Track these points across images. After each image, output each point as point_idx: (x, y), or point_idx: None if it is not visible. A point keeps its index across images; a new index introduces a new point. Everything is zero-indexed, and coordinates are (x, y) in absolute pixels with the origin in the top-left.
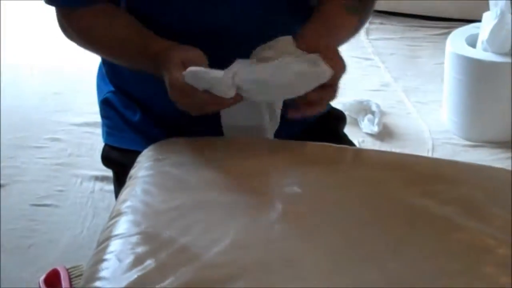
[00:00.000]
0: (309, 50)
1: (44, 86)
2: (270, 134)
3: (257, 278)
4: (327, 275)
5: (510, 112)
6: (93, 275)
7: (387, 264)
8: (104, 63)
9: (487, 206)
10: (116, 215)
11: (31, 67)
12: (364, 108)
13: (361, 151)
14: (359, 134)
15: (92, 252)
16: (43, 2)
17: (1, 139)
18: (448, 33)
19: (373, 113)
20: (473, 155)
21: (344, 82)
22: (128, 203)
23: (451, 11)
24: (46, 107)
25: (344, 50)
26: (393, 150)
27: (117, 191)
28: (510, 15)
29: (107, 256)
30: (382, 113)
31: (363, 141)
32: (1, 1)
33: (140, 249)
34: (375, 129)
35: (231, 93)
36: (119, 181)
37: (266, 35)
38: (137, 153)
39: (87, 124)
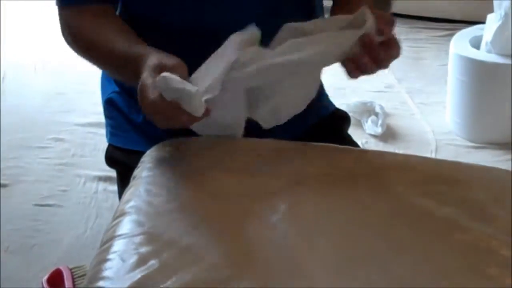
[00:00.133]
0: None
1: (47, 87)
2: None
3: (260, 279)
4: (330, 276)
5: None
6: (96, 275)
7: (389, 264)
8: None
9: (490, 207)
10: (119, 215)
11: (34, 68)
12: (368, 110)
13: (364, 152)
14: (363, 135)
15: (96, 252)
16: (46, 2)
17: (5, 139)
18: (452, 34)
19: (376, 114)
20: (476, 157)
21: (348, 84)
22: (131, 203)
23: (454, 13)
24: (49, 107)
25: None
26: (397, 151)
27: (120, 191)
28: None
29: (110, 256)
30: (386, 115)
31: (366, 142)
32: (2, 1)
33: (143, 249)
34: (379, 130)
35: (200, 111)
36: (123, 181)
37: (266, 35)
38: (141, 153)
39: (91, 125)
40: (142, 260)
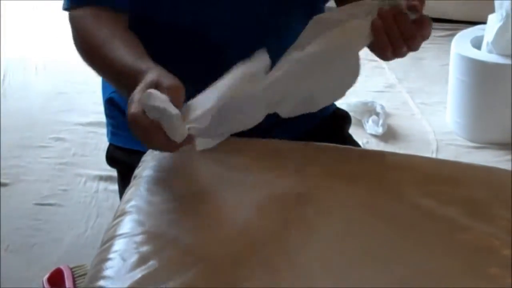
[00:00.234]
0: None
1: (48, 86)
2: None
3: (262, 279)
4: (330, 276)
5: None
6: (97, 274)
7: (390, 264)
8: None
9: (491, 207)
10: (120, 214)
11: (35, 67)
12: (369, 109)
13: (365, 152)
14: (364, 135)
15: (96, 252)
16: (46, 2)
17: (6, 138)
18: (453, 35)
19: (377, 114)
20: (477, 157)
21: None
22: (132, 203)
23: (456, 13)
24: (50, 107)
25: None
26: (397, 151)
27: (121, 191)
28: None
29: (111, 255)
30: (387, 115)
31: (367, 142)
32: (2, 1)
33: (144, 249)
34: (380, 130)
35: (179, 136)
36: (124, 180)
37: (268, 35)
38: (141, 153)
39: (91, 124)
40: (142, 260)
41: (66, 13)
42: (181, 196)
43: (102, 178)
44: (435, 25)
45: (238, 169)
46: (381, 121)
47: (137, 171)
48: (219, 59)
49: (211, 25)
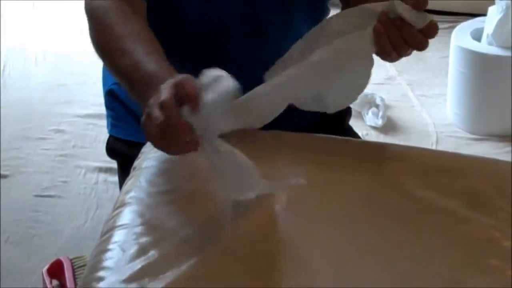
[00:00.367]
0: None
1: (48, 78)
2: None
3: (260, 271)
4: (331, 268)
5: None
6: (96, 265)
7: (390, 255)
8: None
9: (491, 198)
10: (120, 205)
11: (35, 59)
12: (369, 101)
13: (365, 144)
14: (363, 127)
15: (96, 243)
16: None
17: (5, 130)
18: (453, 27)
19: (377, 106)
20: (477, 149)
21: None
22: (132, 194)
23: (456, 5)
24: (50, 98)
25: None
26: (397, 143)
27: (121, 182)
28: None
29: (110, 246)
30: (387, 107)
31: (367, 134)
32: None
33: (143, 240)
34: (379, 122)
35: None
36: (124, 172)
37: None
38: (141, 144)
39: (91, 116)
40: (142, 250)
41: (66, 3)
42: (180, 187)
43: (102, 170)
44: (436, 17)
45: None
46: (380, 113)
47: (136, 163)
48: (221, 51)
49: (214, 16)
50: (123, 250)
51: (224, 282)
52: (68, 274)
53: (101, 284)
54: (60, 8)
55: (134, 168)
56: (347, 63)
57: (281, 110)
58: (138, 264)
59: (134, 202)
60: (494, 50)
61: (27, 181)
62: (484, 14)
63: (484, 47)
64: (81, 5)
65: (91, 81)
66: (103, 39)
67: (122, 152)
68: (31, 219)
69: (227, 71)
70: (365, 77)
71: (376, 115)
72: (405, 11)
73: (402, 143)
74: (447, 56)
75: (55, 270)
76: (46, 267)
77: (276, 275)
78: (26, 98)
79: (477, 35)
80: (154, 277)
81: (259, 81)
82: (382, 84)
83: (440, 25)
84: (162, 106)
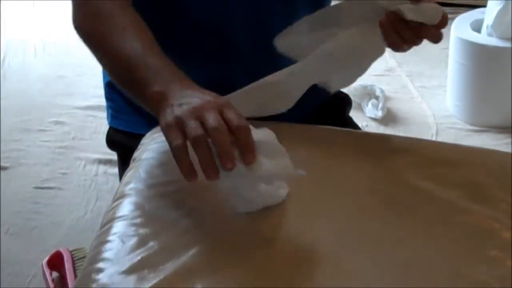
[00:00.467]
0: None
1: (48, 69)
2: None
3: (260, 261)
4: (331, 258)
5: None
6: (96, 257)
7: (389, 246)
8: None
9: (491, 189)
10: (119, 197)
11: (34, 50)
12: (368, 93)
13: (366, 135)
14: (363, 118)
15: (96, 234)
16: None
17: (5, 122)
18: (453, 18)
19: (377, 97)
20: (476, 140)
21: None
22: (131, 185)
23: None
24: (50, 90)
25: None
26: (397, 134)
27: (121, 174)
28: None
29: (110, 238)
30: (386, 98)
31: (367, 126)
32: None
33: (143, 231)
34: (379, 113)
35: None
36: (124, 164)
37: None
38: (141, 136)
39: (91, 108)
40: (142, 242)
41: (66, 4)
42: (179, 178)
43: (101, 162)
44: None
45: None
46: (380, 105)
47: (136, 154)
48: (224, 43)
49: (218, 7)
50: (123, 242)
51: (224, 273)
52: (68, 265)
53: (101, 275)
54: (60, 8)
55: (134, 159)
56: (360, 58)
57: (296, 99)
58: (137, 255)
59: (133, 193)
60: (494, 41)
61: (27, 173)
62: (484, 5)
63: (484, 38)
64: None
65: (91, 73)
66: (91, 31)
67: (122, 143)
68: (31, 211)
69: (230, 63)
70: (362, 67)
71: (376, 106)
72: (415, 15)
73: (402, 134)
74: (447, 48)
75: (55, 262)
76: (46, 258)
77: (276, 265)
78: (26, 90)
79: (477, 26)
80: (154, 268)
81: (262, 73)
82: (382, 75)
83: None
84: (215, 129)
